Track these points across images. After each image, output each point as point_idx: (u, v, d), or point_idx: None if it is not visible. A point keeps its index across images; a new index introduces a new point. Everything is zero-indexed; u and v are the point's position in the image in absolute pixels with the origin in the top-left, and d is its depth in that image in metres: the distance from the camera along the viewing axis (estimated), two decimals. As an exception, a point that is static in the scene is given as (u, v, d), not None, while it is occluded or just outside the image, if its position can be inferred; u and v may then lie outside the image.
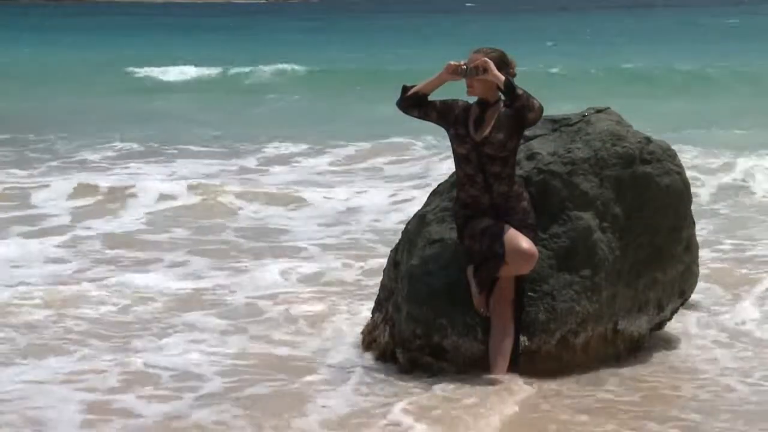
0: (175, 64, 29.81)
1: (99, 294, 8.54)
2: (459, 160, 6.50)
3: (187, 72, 29.10)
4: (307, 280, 9.09)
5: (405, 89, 6.57)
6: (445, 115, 6.52)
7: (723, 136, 17.40)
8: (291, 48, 37.50)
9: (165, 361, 6.93)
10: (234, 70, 29.21)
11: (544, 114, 6.85)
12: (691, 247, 7.19)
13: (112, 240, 10.70)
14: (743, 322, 7.72)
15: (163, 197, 12.55)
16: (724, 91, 24.36)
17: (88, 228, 11.27)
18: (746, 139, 16.69)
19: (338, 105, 22.96)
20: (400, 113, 6.66)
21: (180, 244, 10.58)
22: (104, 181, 13.36)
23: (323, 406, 6.13)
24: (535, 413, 6.06)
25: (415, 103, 6.53)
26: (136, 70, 29.44)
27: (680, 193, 7.07)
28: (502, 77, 6.28)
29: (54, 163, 15.57)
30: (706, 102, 22.52)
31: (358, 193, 12.97)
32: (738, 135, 17.56)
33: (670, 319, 7.32)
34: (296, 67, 29.14)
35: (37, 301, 8.28)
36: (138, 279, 9.04)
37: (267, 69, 28.89)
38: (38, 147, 17.25)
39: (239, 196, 12.59)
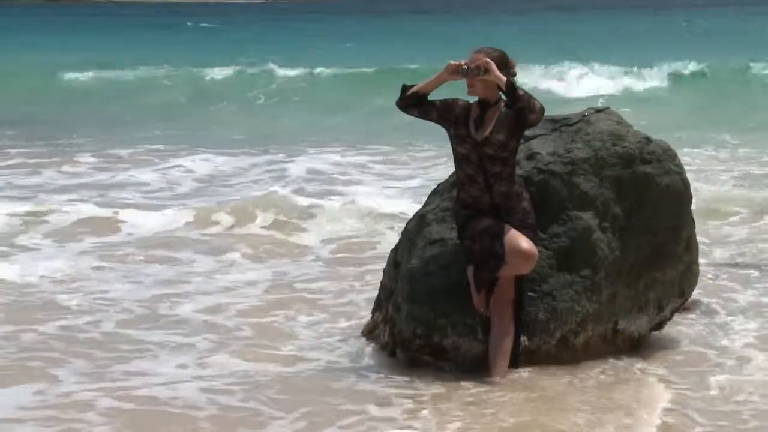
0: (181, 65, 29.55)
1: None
2: (459, 160, 6.49)
3: (201, 73, 28.78)
4: (307, 282, 9.10)
5: (404, 88, 6.56)
6: (445, 114, 6.51)
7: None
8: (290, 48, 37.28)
9: (172, 390, 6.33)
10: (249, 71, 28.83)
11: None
12: (691, 247, 7.19)
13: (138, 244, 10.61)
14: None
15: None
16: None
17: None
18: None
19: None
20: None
21: (184, 243, 10.60)
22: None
23: None
24: (532, 412, 6.06)
25: (414, 103, 6.52)
26: (140, 69, 29.25)
27: (680, 193, 7.07)
28: (504, 78, 6.27)
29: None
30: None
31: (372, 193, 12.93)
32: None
33: (670, 319, 7.32)
34: (324, 69, 28.46)
35: None
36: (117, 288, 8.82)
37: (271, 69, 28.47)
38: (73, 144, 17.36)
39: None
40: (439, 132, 6.70)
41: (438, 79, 6.48)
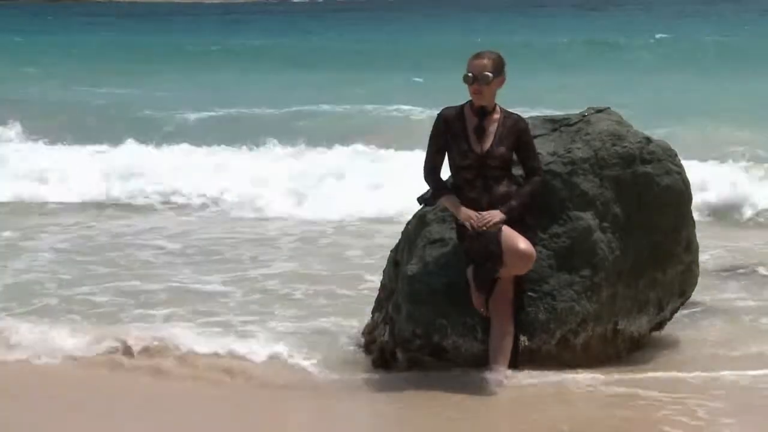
0: None
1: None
2: (458, 168, 6.49)
3: None
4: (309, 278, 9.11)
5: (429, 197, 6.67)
6: (445, 143, 6.48)
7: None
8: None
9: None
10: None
11: (544, 114, 6.93)
12: (691, 247, 7.19)
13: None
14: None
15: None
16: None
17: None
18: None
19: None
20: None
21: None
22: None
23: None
24: (534, 413, 6.06)
25: (439, 185, 6.56)
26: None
27: (680, 193, 7.07)
28: (504, 216, 6.31)
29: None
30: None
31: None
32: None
33: (670, 319, 7.32)
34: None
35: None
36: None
37: None
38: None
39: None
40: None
41: (449, 207, 6.50)
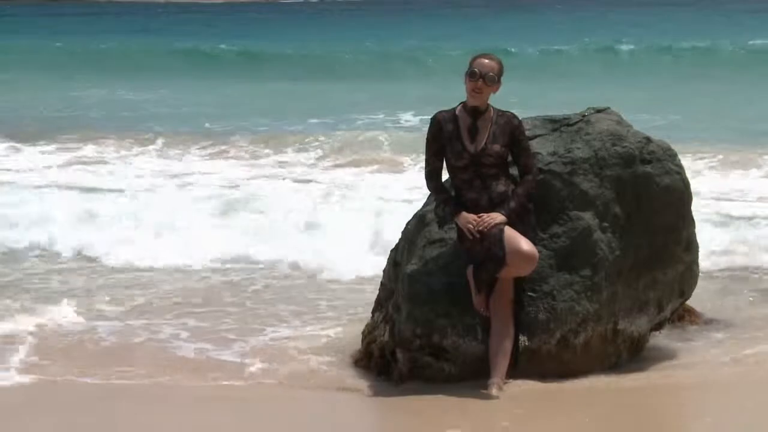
0: None
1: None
2: (455, 170, 6.49)
3: None
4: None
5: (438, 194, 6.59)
6: (442, 148, 6.48)
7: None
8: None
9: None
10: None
11: (544, 114, 6.90)
12: (691, 247, 7.19)
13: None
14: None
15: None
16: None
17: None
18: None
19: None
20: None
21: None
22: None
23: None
24: (535, 416, 6.05)
25: (439, 186, 6.57)
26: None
27: (680, 193, 7.07)
28: (505, 218, 6.31)
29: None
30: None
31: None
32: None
33: (670, 318, 7.32)
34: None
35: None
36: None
37: None
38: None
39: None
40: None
41: (453, 216, 6.47)
